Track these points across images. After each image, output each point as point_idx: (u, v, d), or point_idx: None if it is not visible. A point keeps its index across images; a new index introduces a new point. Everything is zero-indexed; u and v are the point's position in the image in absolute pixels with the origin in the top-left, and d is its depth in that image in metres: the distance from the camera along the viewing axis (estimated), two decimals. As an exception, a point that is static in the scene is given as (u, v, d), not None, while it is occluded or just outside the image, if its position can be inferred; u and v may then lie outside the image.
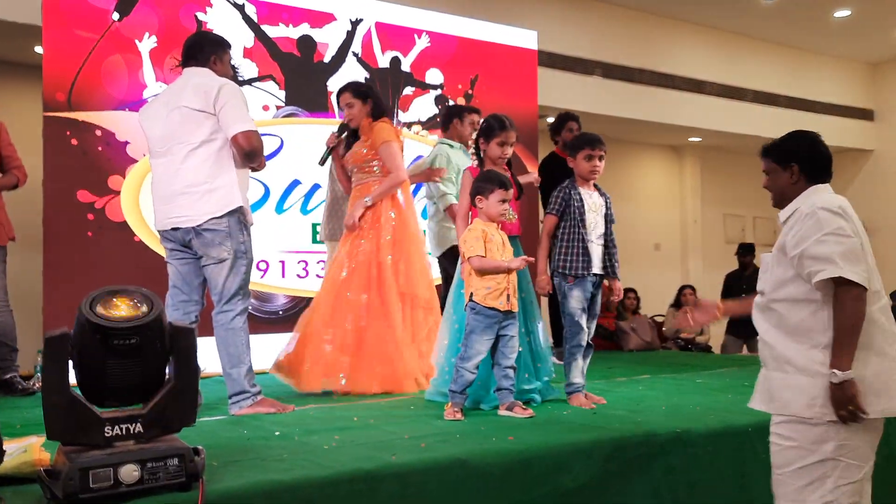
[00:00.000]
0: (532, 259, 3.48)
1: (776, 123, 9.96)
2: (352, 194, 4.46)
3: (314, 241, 5.73)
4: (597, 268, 3.70)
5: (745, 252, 8.27)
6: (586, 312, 3.69)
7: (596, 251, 3.71)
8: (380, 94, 4.70)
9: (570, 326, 3.67)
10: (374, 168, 4.36)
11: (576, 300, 3.65)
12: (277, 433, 2.85)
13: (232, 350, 3.45)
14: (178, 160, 3.44)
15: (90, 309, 1.97)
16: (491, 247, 3.36)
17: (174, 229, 3.49)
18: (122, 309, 2.01)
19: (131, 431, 2.02)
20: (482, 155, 3.84)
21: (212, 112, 3.41)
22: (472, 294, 3.34)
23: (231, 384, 3.46)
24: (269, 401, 3.51)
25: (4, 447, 2.07)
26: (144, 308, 2.04)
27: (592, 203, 3.74)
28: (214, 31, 4.98)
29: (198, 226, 3.41)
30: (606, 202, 3.81)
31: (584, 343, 3.67)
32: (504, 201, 3.40)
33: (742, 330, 8.00)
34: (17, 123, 5.59)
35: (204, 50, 3.62)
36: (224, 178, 3.46)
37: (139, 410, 2.05)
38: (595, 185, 3.82)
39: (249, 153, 3.46)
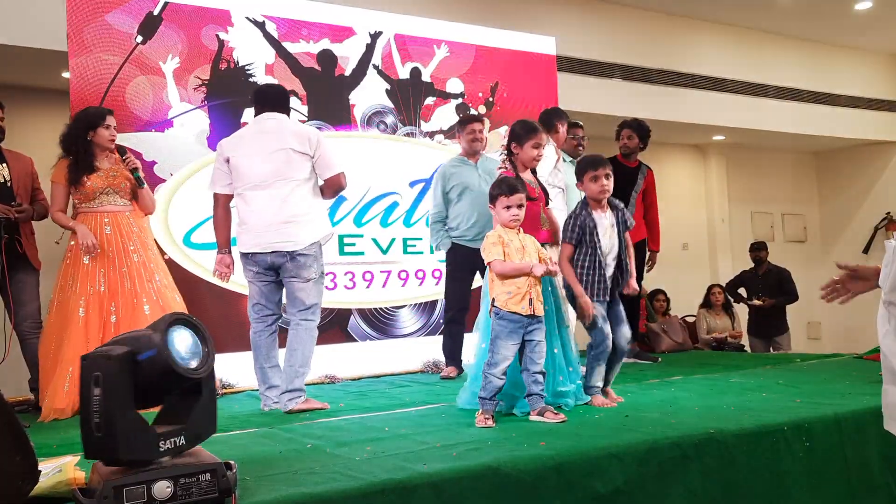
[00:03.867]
0: (556, 270, 3.46)
1: (800, 119, 9.87)
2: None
3: (341, 252, 5.76)
4: (610, 288, 3.70)
5: (758, 249, 8.20)
6: (607, 320, 3.69)
7: (611, 272, 3.71)
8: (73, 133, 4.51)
9: (594, 335, 3.69)
10: None
11: (596, 311, 3.66)
12: (309, 445, 2.86)
13: (307, 353, 3.96)
14: (284, 193, 3.95)
15: (168, 348, 2.00)
16: (509, 251, 3.35)
17: (271, 253, 3.94)
18: (189, 348, 2.08)
19: (177, 444, 2.06)
20: (514, 160, 3.90)
21: (311, 155, 4.01)
22: (494, 299, 3.34)
23: (294, 381, 3.90)
24: (311, 400, 3.97)
25: (40, 467, 2.10)
26: (204, 346, 2.11)
27: (606, 225, 3.71)
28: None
29: (295, 251, 3.92)
30: (618, 216, 3.76)
31: (609, 349, 3.66)
32: (510, 207, 3.38)
33: (765, 330, 7.93)
34: (47, 149, 5.68)
35: (287, 102, 4.24)
36: (319, 210, 4.12)
37: (182, 425, 2.09)
38: (608, 202, 3.78)
39: (339, 190, 4.20)
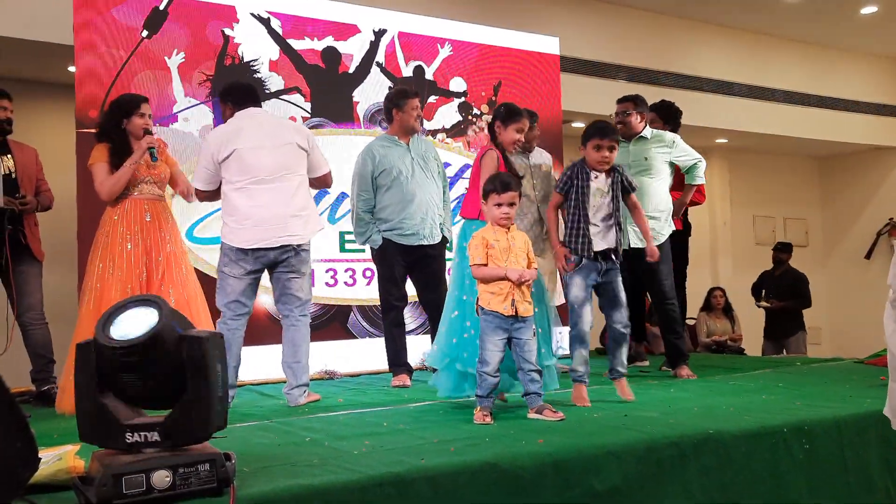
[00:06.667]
0: (532, 276, 3.34)
1: (804, 123, 9.86)
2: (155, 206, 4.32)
3: (342, 249, 5.76)
4: (598, 248, 3.66)
5: (780, 250, 8.19)
6: (589, 302, 3.67)
7: (600, 232, 3.67)
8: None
9: (570, 316, 3.68)
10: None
11: (577, 287, 3.67)
12: (308, 439, 2.87)
13: (308, 348, 4.05)
14: (292, 187, 3.97)
15: (102, 328, 2.03)
16: (493, 252, 3.29)
17: (278, 248, 3.91)
18: (126, 325, 2.05)
19: (149, 440, 2.05)
20: (496, 139, 3.95)
21: (307, 151, 4.07)
22: (479, 298, 3.34)
23: (303, 376, 3.99)
24: (311, 393, 4.09)
25: (40, 455, 2.11)
26: (148, 323, 2.03)
27: (599, 186, 3.68)
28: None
29: (299, 245, 3.96)
30: (614, 178, 3.71)
31: (585, 331, 3.65)
32: (501, 205, 3.29)
33: (780, 333, 7.92)
34: (52, 142, 5.72)
35: (259, 97, 4.23)
36: (314, 206, 4.20)
37: (158, 419, 2.09)
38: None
39: (326, 188, 4.45)
